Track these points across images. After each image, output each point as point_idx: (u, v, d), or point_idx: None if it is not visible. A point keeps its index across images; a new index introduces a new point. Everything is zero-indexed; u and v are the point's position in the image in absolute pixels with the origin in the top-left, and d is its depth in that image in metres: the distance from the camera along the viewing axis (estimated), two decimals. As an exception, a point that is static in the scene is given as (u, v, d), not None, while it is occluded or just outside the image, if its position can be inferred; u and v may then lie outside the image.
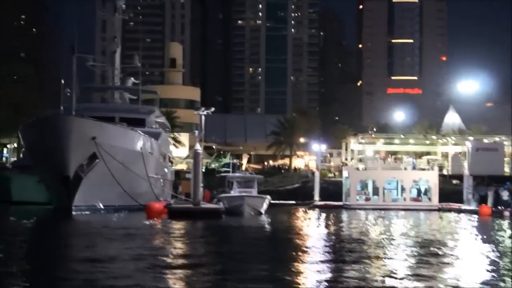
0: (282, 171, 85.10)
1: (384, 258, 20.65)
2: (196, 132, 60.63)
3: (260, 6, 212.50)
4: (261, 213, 44.12)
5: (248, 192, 45.35)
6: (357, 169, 61.06)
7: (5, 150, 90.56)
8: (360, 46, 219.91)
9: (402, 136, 74.44)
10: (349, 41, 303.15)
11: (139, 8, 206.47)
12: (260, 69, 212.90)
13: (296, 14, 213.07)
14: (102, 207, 43.15)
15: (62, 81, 44.34)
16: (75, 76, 40.73)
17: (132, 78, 59.81)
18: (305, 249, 23.66)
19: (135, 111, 51.68)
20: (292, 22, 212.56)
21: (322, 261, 19.62)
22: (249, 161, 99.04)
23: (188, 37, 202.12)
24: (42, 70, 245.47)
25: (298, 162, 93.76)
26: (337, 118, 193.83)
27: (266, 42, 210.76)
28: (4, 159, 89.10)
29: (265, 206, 45.38)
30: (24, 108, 79.18)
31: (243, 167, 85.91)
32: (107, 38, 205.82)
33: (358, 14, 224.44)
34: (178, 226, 34.17)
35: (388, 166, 61.25)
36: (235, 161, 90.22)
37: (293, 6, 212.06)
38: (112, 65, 56.31)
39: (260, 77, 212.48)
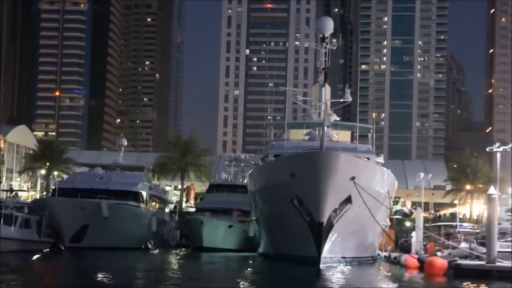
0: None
1: None
2: None
3: (385, 50, 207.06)
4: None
5: None
6: None
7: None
8: (490, 91, 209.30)
9: None
10: (468, 87, 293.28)
11: (263, 53, 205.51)
12: (384, 114, 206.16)
13: (423, 59, 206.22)
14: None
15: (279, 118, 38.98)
16: (325, 110, 35.25)
17: (335, 115, 54.27)
18: None
19: (354, 150, 45.45)
20: (418, 66, 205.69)
21: None
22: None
23: (311, 81, 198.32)
24: (162, 115, 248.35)
25: (465, 211, 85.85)
26: (455, 166, 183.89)
27: (391, 87, 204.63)
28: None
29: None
30: (190, 151, 75.72)
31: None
32: (230, 83, 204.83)
33: (487, 58, 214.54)
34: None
35: None
36: (404, 208, 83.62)
37: (419, 51, 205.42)
38: (319, 100, 50.84)
39: (383, 122, 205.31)
